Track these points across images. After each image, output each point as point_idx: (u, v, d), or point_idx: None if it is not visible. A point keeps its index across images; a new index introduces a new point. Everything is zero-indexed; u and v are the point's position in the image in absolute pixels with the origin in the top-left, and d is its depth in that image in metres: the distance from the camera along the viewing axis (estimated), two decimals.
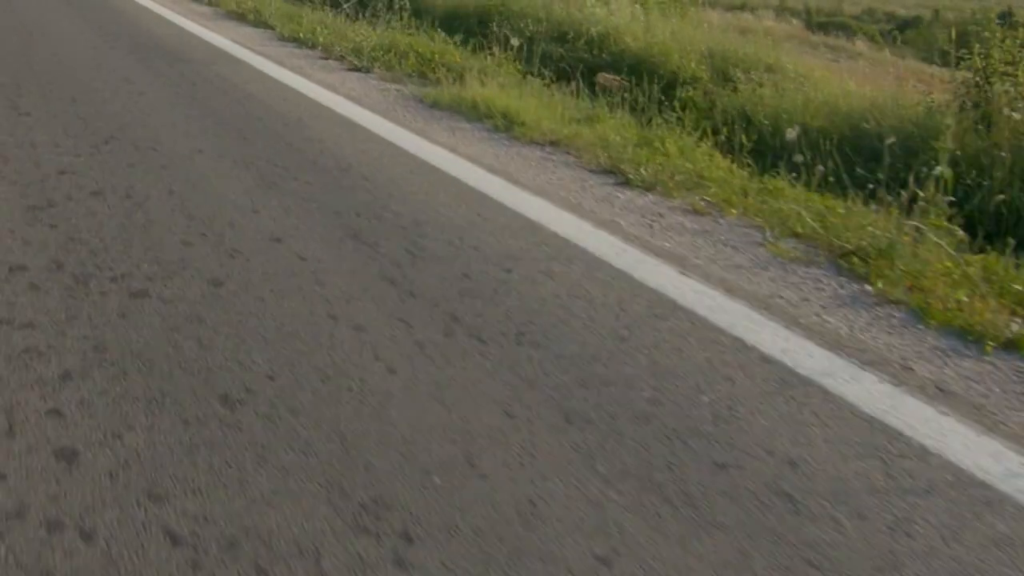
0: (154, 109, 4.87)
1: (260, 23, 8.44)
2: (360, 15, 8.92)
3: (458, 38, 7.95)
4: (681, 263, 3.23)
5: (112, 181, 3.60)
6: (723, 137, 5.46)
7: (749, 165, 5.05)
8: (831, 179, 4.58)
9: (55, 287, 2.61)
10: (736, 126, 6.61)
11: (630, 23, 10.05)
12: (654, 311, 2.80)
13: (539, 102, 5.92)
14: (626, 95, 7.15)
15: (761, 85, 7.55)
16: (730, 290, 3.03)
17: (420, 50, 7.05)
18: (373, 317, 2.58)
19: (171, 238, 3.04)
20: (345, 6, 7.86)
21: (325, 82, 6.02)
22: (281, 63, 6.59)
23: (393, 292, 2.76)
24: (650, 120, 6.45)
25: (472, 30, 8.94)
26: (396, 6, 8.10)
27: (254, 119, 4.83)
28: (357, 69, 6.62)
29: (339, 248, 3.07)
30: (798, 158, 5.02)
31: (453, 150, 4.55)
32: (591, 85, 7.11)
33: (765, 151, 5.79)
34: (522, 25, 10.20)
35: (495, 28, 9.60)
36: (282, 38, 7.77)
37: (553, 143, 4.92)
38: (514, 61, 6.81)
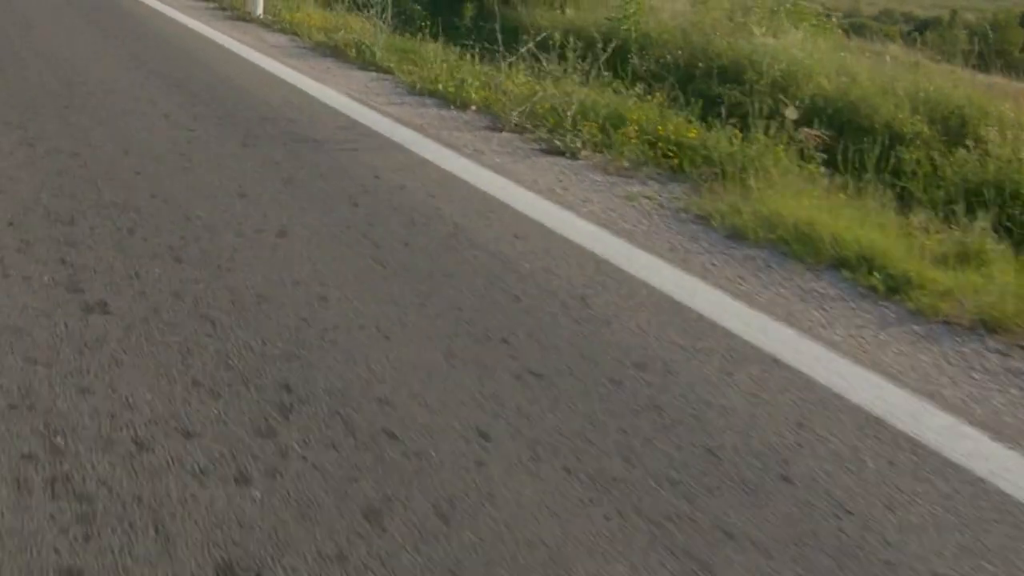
0: (323, 282, 2.69)
1: (368, 63, 6.25)
2: (490, 49, 6.75)
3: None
4: None
5: None
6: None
7: None
8: None
9: None
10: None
11: (817, 57, 7.92)
12: None
13: (855, 213, 3.84)
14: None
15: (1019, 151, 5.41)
16: None
17: (631, 116, 4.88)
18: None
19: None
20: (547, 62, 5.62)
21: (537, 185, 3.86)
22: (445, 141, 4.42)
23: None
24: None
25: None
26: (566, 43, 5.87)
27: (514, 306, 2.66)
28: (556, 151, 4.45)
29: None
30: None
31: (886, 373, 2.44)
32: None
33: None
34: (669, 58, 8.10)
35: (635, 61, 7.54)
36: (412, 89, 5.59)
37: (987, 325, 2.83)
38: (786, 143, 4.63)
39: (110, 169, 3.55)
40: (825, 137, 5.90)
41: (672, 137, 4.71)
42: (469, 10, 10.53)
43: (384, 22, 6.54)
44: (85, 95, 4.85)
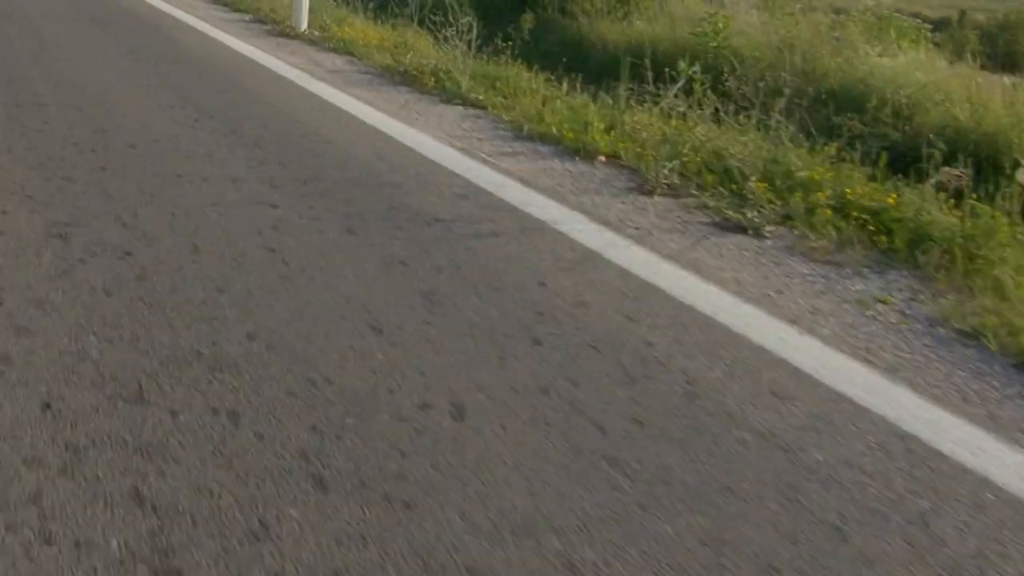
0: (556, 524, 1.65)
1: (453, 95, 5.22)
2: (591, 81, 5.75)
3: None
4: None
5: None
6: None
7: None
8: None
9: None
10: None
11: (939, 79, 6.94)
12: None
13: None
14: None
15: None
16: None
17: (812, 175, 3.87)
18: None
19: None
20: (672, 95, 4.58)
21: (745, 289, 2.84)
22: (594, 215, 3.40)
23: None
24: None
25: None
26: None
27: (841, 550, 1.64)
28: (733, 226, 3.44)
29: None
30: None
31: None
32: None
33: None
34: (768, 80, 7.03)
35: (729, 85, 6.48)
36: (518, 132, 4.56)
37: None
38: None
39: (179, 283, 2.52)
40: (965, 173, 4.93)
41: (862, 202, 3.72)
42: (528, 22, 9.51)
43: (468, 45, 5.50)
44: (124, 148, 3.83)
